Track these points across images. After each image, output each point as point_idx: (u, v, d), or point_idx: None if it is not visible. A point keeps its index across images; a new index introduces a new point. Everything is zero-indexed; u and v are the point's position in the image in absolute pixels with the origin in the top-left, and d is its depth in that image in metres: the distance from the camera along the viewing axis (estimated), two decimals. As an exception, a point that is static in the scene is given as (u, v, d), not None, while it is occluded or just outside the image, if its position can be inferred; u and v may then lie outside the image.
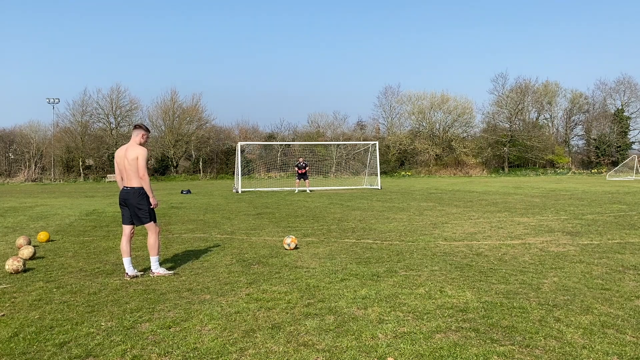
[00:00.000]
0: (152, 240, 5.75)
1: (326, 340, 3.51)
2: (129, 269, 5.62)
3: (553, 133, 56.44)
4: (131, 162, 5.60)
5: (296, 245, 7.16)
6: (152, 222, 5.77)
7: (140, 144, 5.75)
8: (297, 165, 22.95)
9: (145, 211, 5.69)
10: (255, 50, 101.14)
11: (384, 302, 4.40)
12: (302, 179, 22.67)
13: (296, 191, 22.41)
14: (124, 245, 5.73)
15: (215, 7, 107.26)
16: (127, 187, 5.69)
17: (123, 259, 5.69)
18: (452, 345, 3.36)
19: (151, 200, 5.72)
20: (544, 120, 57.38)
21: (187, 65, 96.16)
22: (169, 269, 5.94)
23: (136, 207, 5.66)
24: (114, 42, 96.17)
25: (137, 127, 5.85)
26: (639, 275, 5.29)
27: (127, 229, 5.81)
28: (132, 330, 3.79)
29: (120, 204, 5.85)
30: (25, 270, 5.88)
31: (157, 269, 5.70)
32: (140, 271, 5.81)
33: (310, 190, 22.64)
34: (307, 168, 22.93)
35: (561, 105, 56.69)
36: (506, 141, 52.44)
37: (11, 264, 5.78)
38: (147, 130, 5.90)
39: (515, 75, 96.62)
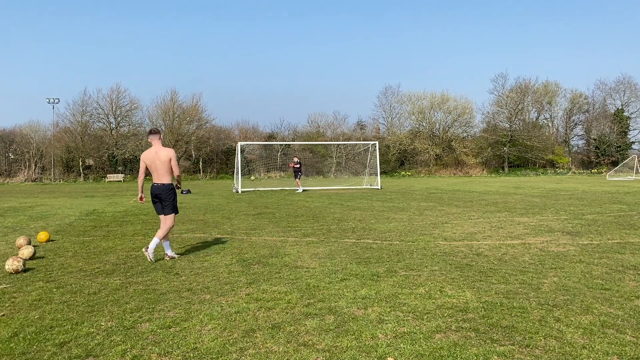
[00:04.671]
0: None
1: (326, 340, 3.51)
2: (168, 252, 6.67)
3: (553, 133, 56.46)
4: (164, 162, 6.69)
5: None
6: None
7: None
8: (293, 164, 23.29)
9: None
10: (255, 50, 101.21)
11: (384, 302, 4.40)
12: (297, 178, 22.93)
13: (300, 190, 22.52)
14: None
15: (216, 7, 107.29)
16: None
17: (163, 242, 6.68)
18: (452, 345, 3.36)
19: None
20: (544, 120, 57.43)
21: (187, 65, 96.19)
22: (168, 268, 5.96)
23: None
24: (114, 42, 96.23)
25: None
26: (639, 275, 5.29)
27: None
28: (132, 330, 3.79)
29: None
30: (25, 270, 5.88)
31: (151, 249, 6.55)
32: (177, 253, 6.83)
33: (303, 190, 22.71)
34: (298, 166, 23.04)
35: (561, 105, 56.79)
36: (506, 141, 52.45)
37: (11, 264, 5.78)
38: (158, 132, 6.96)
39: (515, 75, 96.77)
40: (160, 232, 6.58)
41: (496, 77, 74.75)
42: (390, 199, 17.17)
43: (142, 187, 6.78)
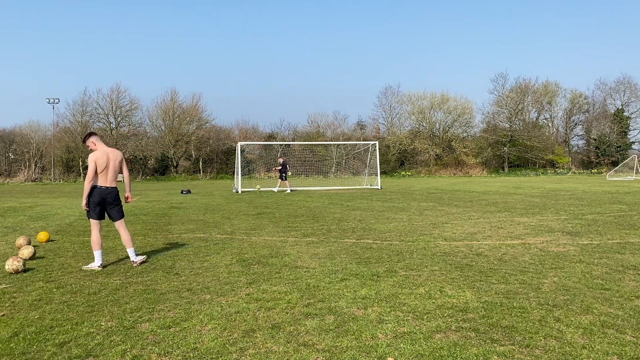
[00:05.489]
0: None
1: (326, 340, 3.51)
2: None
3: (553, 133, 56.47)
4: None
5: None
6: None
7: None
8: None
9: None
10: (256, 50, 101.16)
11: (384, 302, 4.40)
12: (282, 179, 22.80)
13: (289, 191, 22.40)
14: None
15: (216, 7, 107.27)
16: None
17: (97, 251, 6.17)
18: (452, 345, 3.36)
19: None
20: (544, 120, 57.44)
21: (187, 65, 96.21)
22: (168, 268, 5.96)
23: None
24: (114, 41, 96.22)
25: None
26: (639, 275, 5.29)
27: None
28: (132, 330, 3.79)
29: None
30: (25, 270, 5.88)
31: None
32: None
33: (279, 190, 22.69)
34: (280, 168, 22.87)
35: (561, 105, 56.80)
36: (506, 141, 52.45)
37: (11, 264, 5.78)
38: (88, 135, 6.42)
39: (515, 75, 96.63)
40: (127, 237, 6.33)
41: (496, 77, 74.66)
42: (390, 199, 17.17)
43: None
